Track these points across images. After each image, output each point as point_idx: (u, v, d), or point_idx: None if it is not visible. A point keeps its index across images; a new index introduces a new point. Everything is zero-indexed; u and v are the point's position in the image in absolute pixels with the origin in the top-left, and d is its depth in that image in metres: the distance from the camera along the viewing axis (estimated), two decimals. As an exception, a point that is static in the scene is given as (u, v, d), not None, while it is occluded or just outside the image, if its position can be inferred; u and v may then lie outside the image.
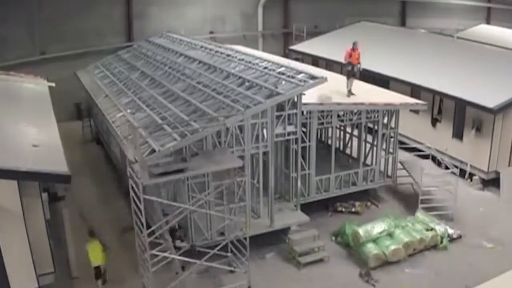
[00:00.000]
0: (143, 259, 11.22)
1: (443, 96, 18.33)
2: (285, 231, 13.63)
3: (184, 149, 11.74)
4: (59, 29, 24.15)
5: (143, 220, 10.33)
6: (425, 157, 17.52)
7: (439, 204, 15.57)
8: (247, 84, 13.85)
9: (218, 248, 11.57)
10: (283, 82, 13.28)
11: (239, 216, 12.19)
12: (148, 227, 10.86)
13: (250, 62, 15.33)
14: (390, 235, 13.41)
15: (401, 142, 17.97)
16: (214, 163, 11.10)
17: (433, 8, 33.18)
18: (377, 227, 13.43)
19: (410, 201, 16.40)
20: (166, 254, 10.99)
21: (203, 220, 12.60)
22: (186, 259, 11.29)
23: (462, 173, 17.57)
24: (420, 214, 14.52)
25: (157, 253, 10.78)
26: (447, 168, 16.06)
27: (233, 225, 12.29)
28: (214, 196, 12.31)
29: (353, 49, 15.83)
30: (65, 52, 24.14)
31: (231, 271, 12.36)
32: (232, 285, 11.74)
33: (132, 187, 10.74)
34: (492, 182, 17.19)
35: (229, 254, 12.20)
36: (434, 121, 19.11)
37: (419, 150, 18.14)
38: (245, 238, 11.61)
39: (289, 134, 13.41)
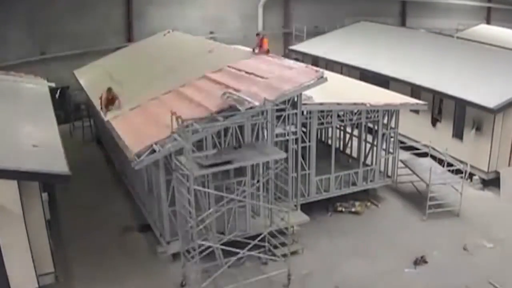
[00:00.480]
0: (187, 249, 11.50)
1: (443, 96, 18.33)
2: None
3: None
4: (59, 29, 24.15)
5: (192, 210, 10.67)
6: (423, 155, 17.58)
7: (444, 201, 15.71)
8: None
9: (259, 238, 11.91)
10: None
11: (282, 205, 12.71)
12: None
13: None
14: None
15: (401, 142, 18.02)
16: (260, 154, 11.54)
17: (433, 8, 33.20)
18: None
19: (411, 200, 16.46)
20: (210, 244, 11.32)
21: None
22: (228, 248, 11.54)
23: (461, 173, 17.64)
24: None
25: (203, 242, 11.09)
26: (450, 165, 16.09)
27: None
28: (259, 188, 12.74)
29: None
30: (65, 52, 24.16)
31: (264, 263, 12.58)
32: (273, 273, 11.95)
33: (178, 179, 11.19)
34: (492, 182, 17.20)
35: (266, 244, 12.44)
36: (434, 121, 19.11)
37: (417, 149, 18.22)
38: (286, 228, 12.02)
39: (289, 134, 13.41)
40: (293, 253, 12.94)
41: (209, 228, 11.81)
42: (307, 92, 13.47)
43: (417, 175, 16.28)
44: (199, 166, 10.64)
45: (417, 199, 16.29)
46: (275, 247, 12.57)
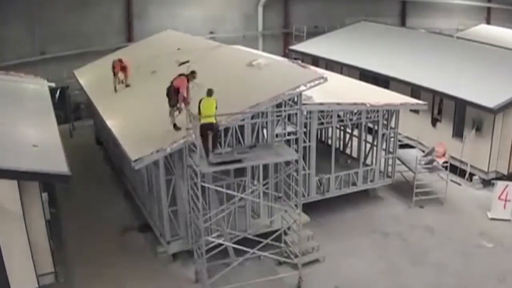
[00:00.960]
0: (198, 245, 11.50)
1: (443, 96, 18.33)
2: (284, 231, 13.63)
3: (184, 149, 11.75)
4: (59, 29, 24.16)
5: (200, 206, 10.72)
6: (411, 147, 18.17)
7: (431, 188, 16.20)
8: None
9: (272, 237, 11.90)
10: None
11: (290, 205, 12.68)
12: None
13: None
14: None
15: (406, 144, 18.24)
16: (271, 155, 11.63)
17: (433, 8, 33.19)
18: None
19: (401, 188, 16.84)
20: (220, 241, 11.35)
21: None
22: (239, 247, 11.55)
23: (462, 173, 17.63)
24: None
25: (212, 239, 11.15)
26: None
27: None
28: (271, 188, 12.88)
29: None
30: (65, 52, 24.16)
31: (280, 263, 12.57)
32: (285, 274, 11.99)
33: (191, 175, 11.26)
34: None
35: (282, 245, 12.44)
36: (434, 121, 19.12)
37: (410, 146, 18.50)
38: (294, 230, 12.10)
39: (289, 134, 13.41)
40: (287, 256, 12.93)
41: (221, 225, 11.88)
42: (307, 92, 13.47)
43: (409, 168, 16.58)
44: (208, 163, 10.77)
45: (409, 186, 16.36)
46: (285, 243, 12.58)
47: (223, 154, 11.11)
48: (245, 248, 11.57)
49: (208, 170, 10.82)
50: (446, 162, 16.30)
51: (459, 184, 17.45)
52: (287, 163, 12.47)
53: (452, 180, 17.13)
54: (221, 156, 10.99)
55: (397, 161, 16.60)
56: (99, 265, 12.86)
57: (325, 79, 13.08)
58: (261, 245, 11.65)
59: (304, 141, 14.10)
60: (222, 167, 10.96)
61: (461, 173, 17.64)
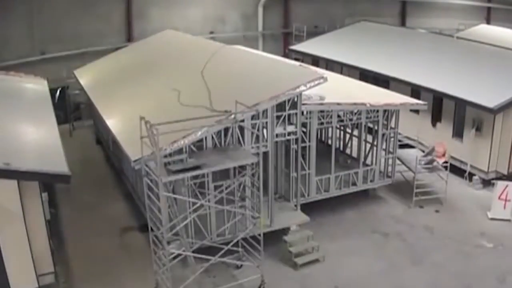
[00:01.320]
0: (158, 256, 11.31)
1: (443, 96, 18.33)
2: (284, 231, 13.65)
3: (184, 149, 11.74)
4: (59, 29, 24.14)
5: (162, 217, 10.42)
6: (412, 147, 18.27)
7: (431, 188, 16.25)
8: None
9: (232, 244, 11.70)
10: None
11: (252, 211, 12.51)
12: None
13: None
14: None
15: (407, 144, 18.27)
16: (230, 159, 11.29)
17: (433, 8, 33.21)
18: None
19: (401, 188, 16.82)
20: (180, 252, 11.08)
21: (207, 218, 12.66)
22: (200, 255, 11.35)
23: (462, 173, 17.64)
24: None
25: (174, 250, 10.89)
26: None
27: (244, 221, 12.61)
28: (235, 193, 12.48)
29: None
30: (65, 52, 24.16)
31: (237, 267, 12.47)
32: (246, 279, 11.83)
33: (148, 185, 10.88)
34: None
35: (240, 249, 12.33)
36: (434, 121, 19.11)
37: (410, 146, 18.50)
38: (259, 234, 11.70)
39: (289, 134, 13.42)
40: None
41: (181, 234, 11.51)
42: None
43: (409, 168, 16.59)
44: (168, 172, 10.34)
45: (409, 186, 16.38)
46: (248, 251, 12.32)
47: (181, 161, 10.70)
48: (206, 256, 11.22)
49: (168, 179, 10.36)
50: (446, 162, 16.37)
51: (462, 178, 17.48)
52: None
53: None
54: (180, 164, 10.60)
55: (397, 161, 16.59)
56: (99, 265, 12.86)
57: (325, 79, 13.09)
58: (222, 251, 11.33)
59: (304, 141, 14.13)
60: (183, 175, 10.55)
61: (461, 173, 17.64)
